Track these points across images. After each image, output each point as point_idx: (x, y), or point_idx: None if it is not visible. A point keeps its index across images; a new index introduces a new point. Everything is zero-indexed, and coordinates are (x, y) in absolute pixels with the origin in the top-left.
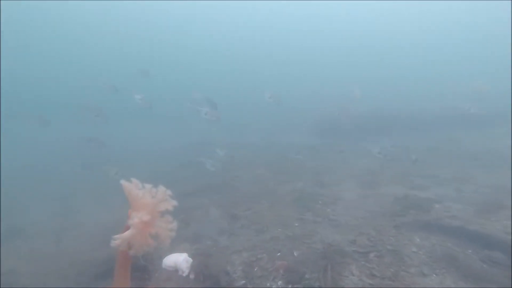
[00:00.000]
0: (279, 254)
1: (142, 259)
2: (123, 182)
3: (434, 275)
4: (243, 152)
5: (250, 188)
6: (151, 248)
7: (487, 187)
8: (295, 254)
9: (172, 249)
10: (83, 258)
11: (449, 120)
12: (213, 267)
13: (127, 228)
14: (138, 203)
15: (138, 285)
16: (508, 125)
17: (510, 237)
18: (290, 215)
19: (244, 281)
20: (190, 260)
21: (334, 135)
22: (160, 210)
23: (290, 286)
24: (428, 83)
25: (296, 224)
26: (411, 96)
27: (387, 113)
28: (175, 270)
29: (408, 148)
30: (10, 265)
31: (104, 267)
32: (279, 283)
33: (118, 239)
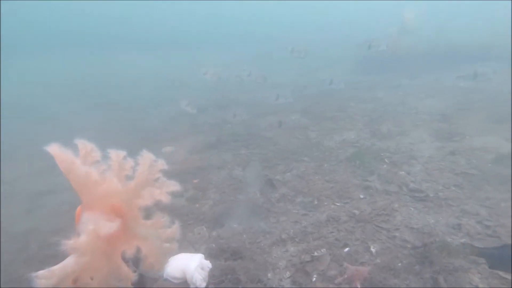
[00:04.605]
0: (347, 249)
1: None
2: (52, 148)
3: None
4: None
5: (287, 140)
6: (128, 282)
7: None
8: (372, 250)
9: (179, 240)
10: (47, 249)
11: None
12: (245, 275)
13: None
14: (93, 194)
15: None
16: None
17: None
18: (348, 180)
19: None
20: (208, 265)
21: (383, 71)
22: (144, 203)
23: None
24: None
25: (361, 196)
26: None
27: (443, 44)
28: (184, 283)
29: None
30: None
31: None
32: None
33: (46, 277)
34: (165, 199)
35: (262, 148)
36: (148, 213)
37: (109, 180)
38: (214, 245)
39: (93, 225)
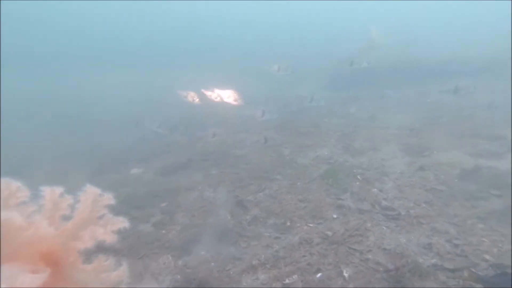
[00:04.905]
0: (319, 275)
1: None
2: None
3: None
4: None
5: (259, 158)
6: None
7: None
8: (345, 274)
9: (140, 270)
10: None
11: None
12: None
13: None
14: (14, 242)
15: None
16: None
17: None
18: (321, 199)
19: None
20: None
21: (353, 86)
22: (84, 246)
23: None
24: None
25: (335, 216)
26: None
27: (410, 60)
28: None
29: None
30: None
31: None
32: None
33: None
34: (110, 238)
35: (234, 167)
36: (89, 255)
37: (37, 224)
38: (179, 276)
39: (7, 283)
